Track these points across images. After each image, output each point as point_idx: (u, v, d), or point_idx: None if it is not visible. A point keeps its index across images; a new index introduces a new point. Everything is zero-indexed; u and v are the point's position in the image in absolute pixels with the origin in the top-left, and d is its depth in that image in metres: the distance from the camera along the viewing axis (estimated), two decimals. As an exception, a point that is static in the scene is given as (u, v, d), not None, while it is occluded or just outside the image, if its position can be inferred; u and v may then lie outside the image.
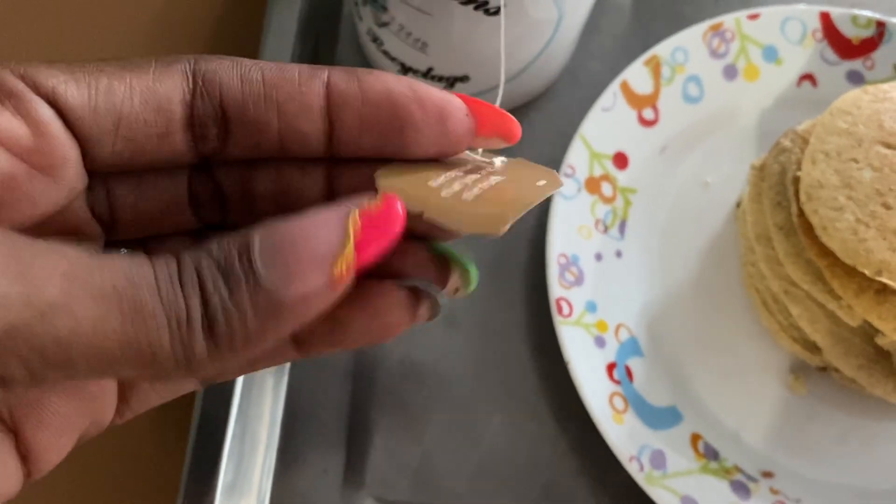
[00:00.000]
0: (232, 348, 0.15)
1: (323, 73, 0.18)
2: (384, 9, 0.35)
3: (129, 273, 0.15)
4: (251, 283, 0.15)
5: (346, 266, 0.16)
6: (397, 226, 0.16)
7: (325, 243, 0.15)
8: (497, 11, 0.32)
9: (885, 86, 0.35)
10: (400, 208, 0.16)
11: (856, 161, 0.33)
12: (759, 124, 0.42)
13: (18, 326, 0.13)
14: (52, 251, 0.14)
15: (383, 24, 0.36)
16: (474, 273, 0.19)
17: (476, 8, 0.32)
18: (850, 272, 0.32)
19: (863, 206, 0.32)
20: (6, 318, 0.13)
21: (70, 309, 0.14)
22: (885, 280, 0.31)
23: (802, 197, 0.33)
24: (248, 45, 0.41)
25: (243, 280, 0.15)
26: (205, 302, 0.15)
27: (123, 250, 0.19)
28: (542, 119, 0.41)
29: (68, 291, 0.14)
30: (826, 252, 0.33)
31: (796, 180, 0.34)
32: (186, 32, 0.44)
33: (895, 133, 0.33)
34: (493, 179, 0.19)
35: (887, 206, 0.32)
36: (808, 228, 0.33)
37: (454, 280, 0.19)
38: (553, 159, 0.38)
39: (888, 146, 0.33)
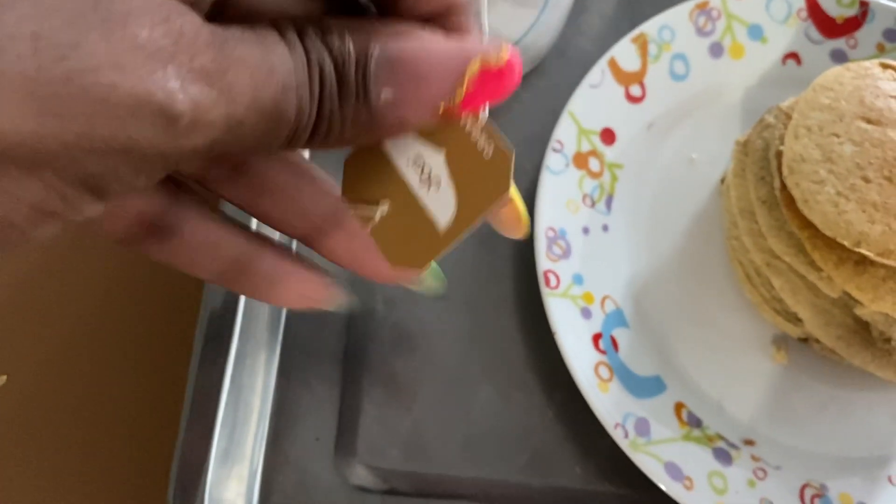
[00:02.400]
0: (318, 145, 0.16)
1: None
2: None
3: (273, 67, 0.15)
4: (360, 99, 0.15)
5: (450, 107, 0.16)
6: (511, 86, 0.16)
7: (439, 84, 0.16)
8: (487, -14, 0.33)
9: (867, 63, 0.36)
10: (518, 65, 0.16)
11: (837, 136, 0.33)
12: (743, 102, 0.42)
13: (219, 142, 0.14)
14: (238, 56, 0.14)
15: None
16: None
17: (466, -17, 0.33)
18: (831, 244, 0.33)
19: (843, 180, 0.33)
20: (211, 136, 0.14)
21: (243, 119, 0.14)
22: (863, 251, 0.32)
23: (785, 171, 0.34)
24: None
25: (353, 95, 0.15)
26: (321, 103, 0.15)
27: None
28: (532, 95, 0.42)
29: (246, 102, 0.14)
30: (807, 224, 0.33)
31: (779, 155, 0.35)
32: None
33: (875, 108, 0.33)
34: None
35: (867, 180, 0.32)
36: (790, 201, 0.34)
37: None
38: (542, 135, 0.39)
39: (868, 121, 0.33)
